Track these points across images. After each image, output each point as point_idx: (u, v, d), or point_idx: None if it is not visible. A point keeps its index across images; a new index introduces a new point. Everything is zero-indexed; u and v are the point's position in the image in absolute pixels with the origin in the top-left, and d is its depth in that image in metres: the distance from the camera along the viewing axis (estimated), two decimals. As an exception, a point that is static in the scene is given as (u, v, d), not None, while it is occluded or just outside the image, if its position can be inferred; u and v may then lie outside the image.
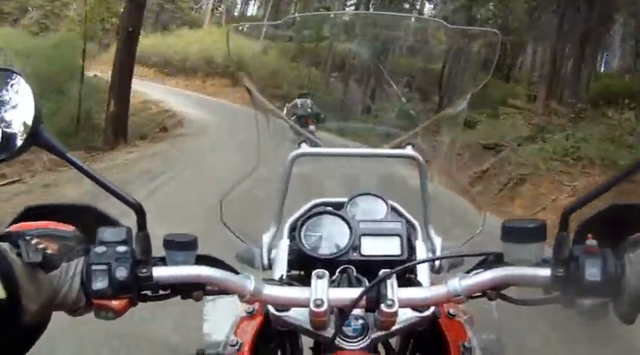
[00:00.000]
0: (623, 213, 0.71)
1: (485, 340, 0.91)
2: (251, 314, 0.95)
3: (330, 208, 1.03)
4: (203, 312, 0.98)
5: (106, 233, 0.69)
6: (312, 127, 6.80)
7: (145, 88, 20.01)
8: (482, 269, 0.72)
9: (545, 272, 0.67)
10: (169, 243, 0.72)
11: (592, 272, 0.64)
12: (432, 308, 0.81)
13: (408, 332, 0.90)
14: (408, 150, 1.10)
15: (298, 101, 8.68)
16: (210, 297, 0.77)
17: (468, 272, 0.75)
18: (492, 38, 1.18)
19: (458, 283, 0.70)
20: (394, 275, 0.73)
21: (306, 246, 0.94)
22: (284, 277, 0.90)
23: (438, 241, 1.05)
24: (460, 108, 1.16)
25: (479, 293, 0.74)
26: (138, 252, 0.68)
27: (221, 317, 0.96)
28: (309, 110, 8.20)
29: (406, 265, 0.76)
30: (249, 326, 0.92)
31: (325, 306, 0.69)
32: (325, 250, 0.94)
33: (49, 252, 0.64)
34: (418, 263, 0.89)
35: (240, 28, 1.19)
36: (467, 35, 1.31)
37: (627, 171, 0.64)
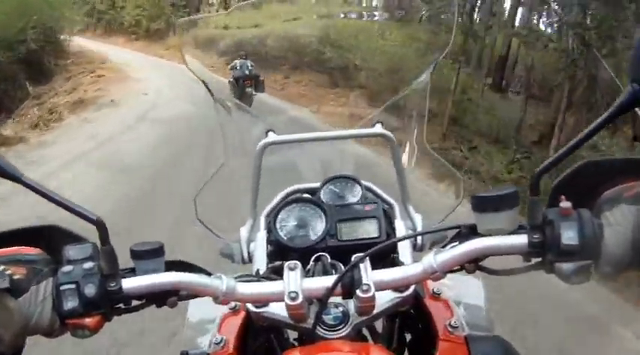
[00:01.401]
0: (596, 170, 0.69)
1: (472, 317, 0.90)
2: (234, 310, 0.94)
3: (304, 195, 1.02)
4: (186, 311, 0.97)
5: (72, 251, 0.68)
6: (248, 89, 6.61)
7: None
8: (457, 243, 0.71)
9: (522, 239, 0.66)
10: (136, 253, 0.71)
11: (569, 235, 0.63)
12: (412, 288, 0.79)
13: (392, 314, 0.89)
14: (378, 129, 1.09)
15: (237, 62, 7.93)
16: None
17: (443, 247, 0.73)
18: (449, 6, 1.17)
19: (433, 260, 0.68)
20: (367, 258, 0.71)
21: (282, 236, 0.93)
22: (263, 270, 0.88)
23: (418, 218, 1.04)
24: (424, 82, 1.15)
25: (457, 268, 0.72)
26: (105, 266, 0.67)
27: (205, 316, 0.95)
28: (246, 72, 7.68)
29: (377, 247, 0.74)
30: (233, 322, 0.91)
31: (300, 298, 0.68)
32: (302, 239, 0.93)
33: (16, 277, 0.63)
34: (388, 243, 0.87)
35: (189, 21, 1.15)
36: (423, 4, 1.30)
37: (593, 128, 0.62)
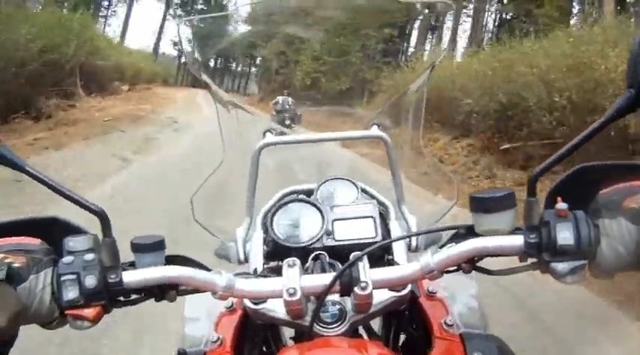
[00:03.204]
0: (591, 175, 0.70)
1: (467, 315, 0.91)
2: (231, 309, 0.95)
3: (300, 196, 1.02)
4: (184, 310, 0.97)
5: (73, 242, 0.68)
6: (287, 122, 7.56)
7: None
8: (454, 243, 0.72)
9: (518, 239, 0.67)
10: (137, 247, 0.71)
11: (564, 235, 0.64)
12: (409, 287, 0.81)
13: (388, 313, 0.90)
14: (374, 131, 1.10)
15: (280, 98, 9.88)
16: (190, 295, 0.77)
17: (441, 247, 0.74)
18: (447, 8, 1.18)
19: (430, 259, 0.69)
20: (365, 257, 0.72)
21: (279, 235, 0.93)
22: (260, 270, 0.89)
23: (412, 220, 1.05)
24: (422, 83, 1.16)
25: (453, 268, 0.73)
26: (105, 258, 0.68)
27: (202, 315, 0.95)
28: (286, 107, 9.40)
29: (375, 246, 0.75)
30: (230, 321, 0.92)
31: (299, 295, 0.69)
32: (298, 238, 0.93)
33: (15, 265, 0.63)
34: (387, 243, 0.89)
35: (190, 22, 1.16)
36: (422, 8, 1.31)
37: (591, 132, 0.64)
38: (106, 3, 41.46)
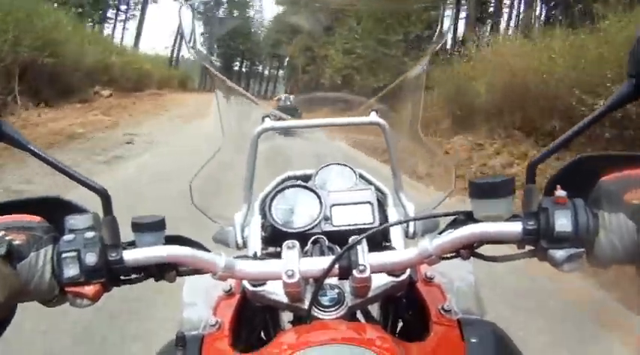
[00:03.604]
0: (591, 165, 0.71)
1: (464, 301, 0.92)
2: (229, 293, 0.95)
3: (299, 181, 1.03)
4: (182, 294, 0.99)
5: (74, 220, 0.68)
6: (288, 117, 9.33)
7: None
8: (453, 229, 0.72)
9: (516, 226, 0.67)
10: (137, 226, 0.71)
11: (562, 222, 0.64)
12: (408, 272, 0.81)
13: (386, 298, 0.91)
14: (372, 117, 1.10)
15: (282, 96, 11.26)
16: (190, 278, 0.77)
17: (440, 233, 0.74)
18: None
19: (429, 244, 0.70)
20: (364, 240, 0.73)
21: (277, 220, 0.94)
22: (259, 254, 0.90)
23: (410, 206, 1.05)
24: (420, 70, 1.16)
25: (452, 254, 0.74)
26: (106, 236, 0.68)
27: (201, 299, 0.96)
28: (287, 103, 10.51)
29: (374, 229, 0.76)
30: (228, 305, 0.92)
31: (297, 277, 0.70)
32: (297, 223, 0.94)
33: (16, 242, 0.64)
34: (386, 226, 0.89)
35: (193, 5, 1.15)
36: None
37: (590, 120, 0.64)
38: (124, 7, 39.31)
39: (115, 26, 37.85)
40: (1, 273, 0.61)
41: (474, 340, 0.79)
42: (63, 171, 0.68)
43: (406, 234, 0.98)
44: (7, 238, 0.63)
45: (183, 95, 27.39)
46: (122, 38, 37.35)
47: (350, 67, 16.11)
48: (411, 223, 1.00)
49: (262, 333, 0.98)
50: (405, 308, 0.99)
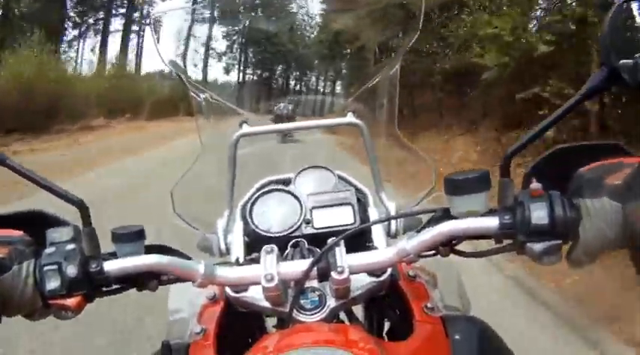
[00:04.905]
0: (567, 156, 0.71)
1: (448, 298, 0.93)
2: (213, 300, 0.95)
3: (278, 185, 1.03)
4: (167, 303, 0.98)
5: (55, 233, 0.69)
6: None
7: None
8: (431, 227, 0.72)
9: (493, 221, 0.67)
10: (117, 236, 0.72)
11: (539, 215, 0.64)
12: (389, 272, 0.81)
13: (369, 299, 0.91)
14: (349, 118, 1.11)
15: (282, 104, 11.19)
16: (175, 286, 0.77)
17: (418, 231, 0.75)
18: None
19: (407, 243, 0.70)
20: (342, 242, 0.73)
21: (258, 225, 0.94)
22: (241, 260, 0.90)
23: (391, 205, 1.06)
24: (394, 69, 1.17)
25: (431, 252, 0.74)
26: (86, 248, 0.69)
27: (186, 306, 0.96)
28: (285, 112, 10.34)
29: (351, 230, 0.76)
30: (212, 312, 0.92)
31: (276, 280, 0.70)
32: (277, 228, 0.94)
33: None
34: (363, 227, 0.89)
35: (162, 14, 1.15)
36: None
37: (564, 111, 0.64)
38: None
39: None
40: None
41: (457, 336, 0.78)
42: (40, 184, 0.67)
43: (388, 233, 0.98)
44: None
45: (140, 132, 17.86)
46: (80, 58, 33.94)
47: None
48: (393, 222, 1.00)
49: (247, 339, 0.98)
50: (388, 307, 0.99)
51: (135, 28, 37.47)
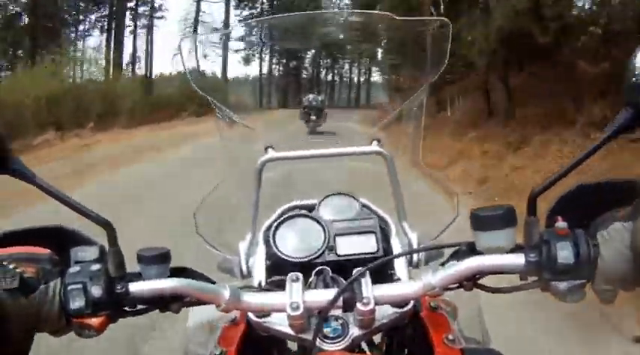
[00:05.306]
0: (590, 193, 0.72)
1: (469, 330, 0.91)
2: (234, 322, 0.95)
3: (302, 211, 1.03)
4: (187, 323, 0.98)
5: (80, 252, 0.70)
6: (312, 117, 9.35)
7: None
8: (455, 261, 0.72)
9: (519, 258, 0.67)
10: (143, 258, 0.72)
11: (564, 254, 0.65)
12: (412, 303, 0.81)
13: (390, 329, 0.90)
14: (374, 147, 1.11)
15: (311, 96, 10.91)
16: (193, 309, 0.78)
17: (442, 264, 0.75)
18: (443, 26, 1.20)
19: (432, 276, 0.70)
20: (368, 273, 0.73)
21: (281, 250, 0.94)
22: (263, 283, 0.90)
23: (413, 236, 1.05)
24: (420, 99, 1.18)
25: (455, 285, 0.74)
26: (112, 268, 0.69)
27: (206, 328, 0.96)
28: (314, 103, 10.46)
29: (377, 261, 0.77)
30: (233, 334, 0.92)
31: (301, 309, 0.70)
32: (300, 253, 0.94)
33: (26, 276, 0.65)
34: (389, 259, 0.89)
35: (192, 39, 1.18)
36: (417, 26, 1.32)
37: (590, 151, 0.65)
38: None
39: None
40: (16, 306, 0.62)
41: None
42: (68, 204, 0.68)
43: (410, 263, 0.98)
44: (17, 270, 0.64)
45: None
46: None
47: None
48: (418, 252, 0.99)
49: None
50: (409, 338, 0.97)
51: (142, 22, 33.23)
